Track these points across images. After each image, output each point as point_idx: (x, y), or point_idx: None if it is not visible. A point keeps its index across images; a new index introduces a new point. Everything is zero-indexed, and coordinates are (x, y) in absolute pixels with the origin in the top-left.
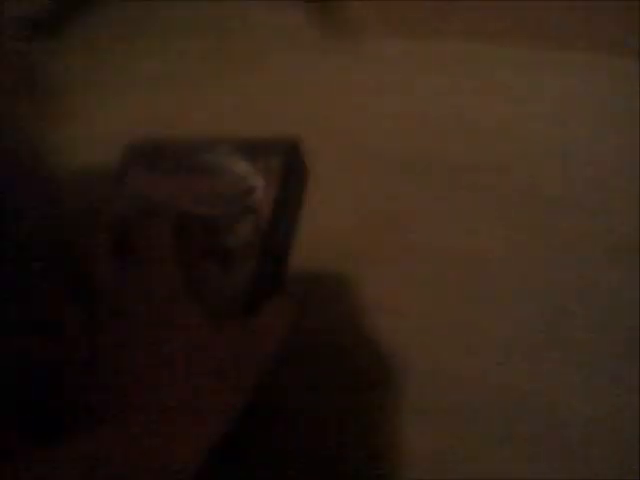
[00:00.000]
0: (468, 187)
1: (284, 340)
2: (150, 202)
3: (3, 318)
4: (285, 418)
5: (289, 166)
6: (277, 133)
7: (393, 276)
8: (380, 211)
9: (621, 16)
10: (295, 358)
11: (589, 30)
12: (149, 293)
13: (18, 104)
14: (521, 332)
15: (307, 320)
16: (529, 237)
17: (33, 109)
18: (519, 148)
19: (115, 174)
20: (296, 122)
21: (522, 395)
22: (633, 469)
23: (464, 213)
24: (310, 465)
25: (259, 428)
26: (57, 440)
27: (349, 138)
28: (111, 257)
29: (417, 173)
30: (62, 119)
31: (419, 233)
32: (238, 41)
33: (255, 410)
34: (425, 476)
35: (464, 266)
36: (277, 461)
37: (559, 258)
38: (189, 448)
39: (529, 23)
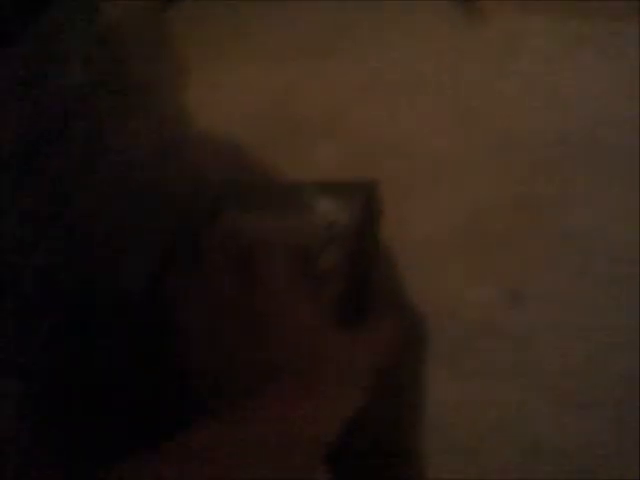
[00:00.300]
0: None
1: (391, 347)
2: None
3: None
4: None
5: (369, 203)
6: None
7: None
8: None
9: None
10: None
11: None
12: (275, 302)
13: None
14: None
15: None
16: None
17: (169, 75)
18: None
19: (210, 211)
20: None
21: None
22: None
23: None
24: None
25: None
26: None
27: (496, 120)
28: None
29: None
30: (186, 85)
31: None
32: (366, 13)
33: None
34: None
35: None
36: None
37: None
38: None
39: None
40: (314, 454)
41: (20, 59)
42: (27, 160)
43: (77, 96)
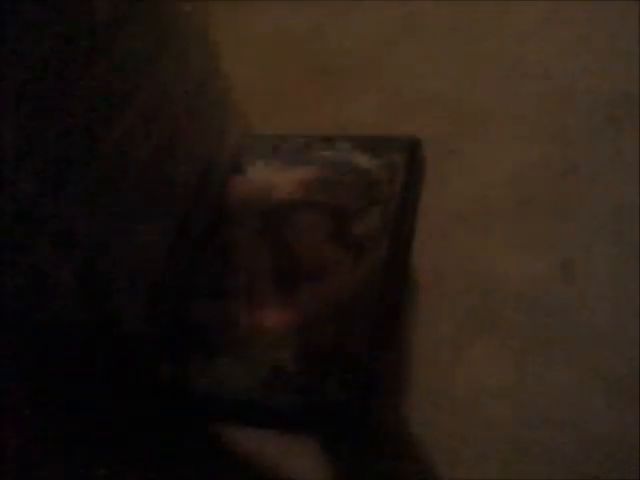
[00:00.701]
0: None
1: None
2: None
3: None
4: None
5: (412, 162)
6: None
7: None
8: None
9: None
10: None
11: None
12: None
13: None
14: None
15: None
16: None
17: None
18: None
19: (236, 166)
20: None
21: None
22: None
23: None
24: None
25: None
26: None
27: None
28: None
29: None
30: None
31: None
32: None
33: None
34: None
35: None
36: None
37: None
38: None
39: None
40: None
41: None
42: (50, 97)
43: (105, 33)
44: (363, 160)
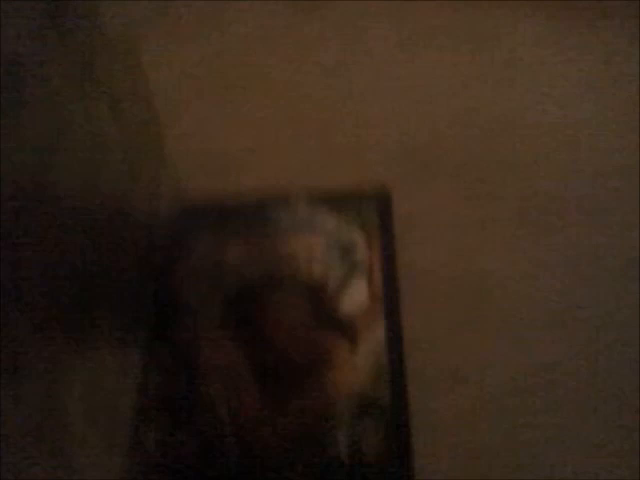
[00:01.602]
0: None
1: None
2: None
3: None
4: None
5: (386, 220)
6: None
7: None
8: None
9: None
10: None
11: None
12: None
13: None
14: None
15: None
16: None
17: None
18: None
19: (176, 240)
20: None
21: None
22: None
23: None
24: None
25: None
26: None
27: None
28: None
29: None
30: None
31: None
32: None
33: None
34: None
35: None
36: None
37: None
38: None
39: None
40: None
41: None
42: None
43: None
44: (330, 221)
